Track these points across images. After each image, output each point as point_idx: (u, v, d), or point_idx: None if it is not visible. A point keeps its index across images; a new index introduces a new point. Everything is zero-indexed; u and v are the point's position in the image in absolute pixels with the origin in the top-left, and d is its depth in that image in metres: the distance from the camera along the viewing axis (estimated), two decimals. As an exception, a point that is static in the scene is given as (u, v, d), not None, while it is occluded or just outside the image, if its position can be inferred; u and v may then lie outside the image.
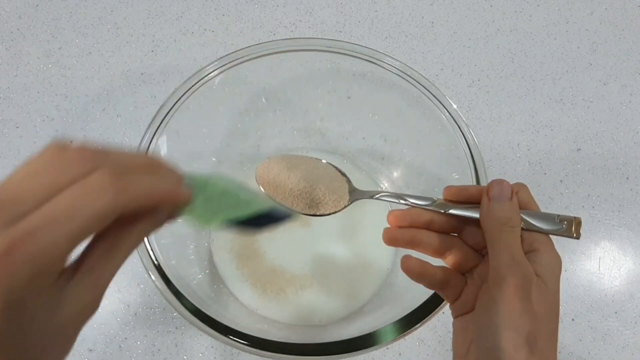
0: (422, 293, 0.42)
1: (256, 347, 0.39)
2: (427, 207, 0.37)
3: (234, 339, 0.39)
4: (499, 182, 0.34)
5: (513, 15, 0.72)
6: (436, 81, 0.66)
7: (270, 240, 0.55)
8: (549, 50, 0.70)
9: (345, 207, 0.41)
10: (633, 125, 0.66)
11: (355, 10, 0.71)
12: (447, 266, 0.37)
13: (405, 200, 0.38)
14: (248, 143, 0.58)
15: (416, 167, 0.55)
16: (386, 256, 0.55)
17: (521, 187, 0.36)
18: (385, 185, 0.58)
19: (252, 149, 0.59)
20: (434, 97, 0.48)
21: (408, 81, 0.49)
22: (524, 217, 0.34)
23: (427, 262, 0.36)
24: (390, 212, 0.38)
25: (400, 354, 0.53)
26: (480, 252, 0.37)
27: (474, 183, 0.44)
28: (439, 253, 0.37)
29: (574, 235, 0.33)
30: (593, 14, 0.73)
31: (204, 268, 0.53)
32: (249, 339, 0.39)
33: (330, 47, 0.50)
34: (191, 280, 0.47)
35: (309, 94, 0.55)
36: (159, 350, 0.52)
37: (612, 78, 0.69)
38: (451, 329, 0.54)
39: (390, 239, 0.37)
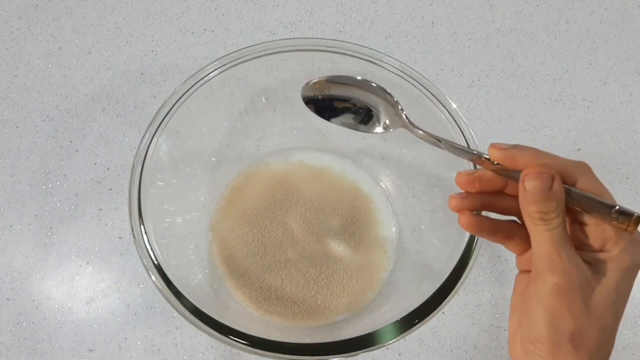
0: (422, 293, 0.42)
1: (256, 347, 0.39)
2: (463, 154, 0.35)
3: (234, 338, 0.39)
4: (537, 175, 0.30)
5: (513, 15, 0.72)
6: (436, 81, 0.66)
7: (271, 238, 0.55)
8: (549, 50, 0.70)
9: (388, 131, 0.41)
10: (633, 125, 0.66)
11: (355, 10, 0.71)
12: (514, 220, 0.35)
13: (445, 145, 0.36)
14: (248, 143, 0.58)
15: (416, 166, 0.55)
16: (388, 255, 0.55)
17: (582, 169, 0.31)
18: (385, 185, 0.58)
19: (252, 148, 0.59)
20: (434, 97, 0.48)
21: (408, 81, 0.49)
22: (572, 199, 0.31)
23: (484, 218, 0.34)
24: (459, 174, 0.34)
25: (400, 354, 0.53)
26: None
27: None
28: (515, 215, 0.34)
29: (627, 229, 0.30)
30: (593, 14, 0.73)
31: (204, 268, 0.53)
32: (249, 338, 0.39)
33: (330, 47, 0.50)
34: (191, 280, 0.48)
35: (309, 94, 0.55)
36: (159, 350, 0.52)
37: (612, 78, 0.69)
38: (451, 330, 0.54)
39: (457, 206, 0.34)
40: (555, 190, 0.30)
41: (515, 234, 0.34)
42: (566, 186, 0.31)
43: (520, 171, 0.32)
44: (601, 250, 0.31)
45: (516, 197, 0.33)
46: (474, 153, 0.35)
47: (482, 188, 0.34)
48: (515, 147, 0.32)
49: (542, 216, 0.30)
